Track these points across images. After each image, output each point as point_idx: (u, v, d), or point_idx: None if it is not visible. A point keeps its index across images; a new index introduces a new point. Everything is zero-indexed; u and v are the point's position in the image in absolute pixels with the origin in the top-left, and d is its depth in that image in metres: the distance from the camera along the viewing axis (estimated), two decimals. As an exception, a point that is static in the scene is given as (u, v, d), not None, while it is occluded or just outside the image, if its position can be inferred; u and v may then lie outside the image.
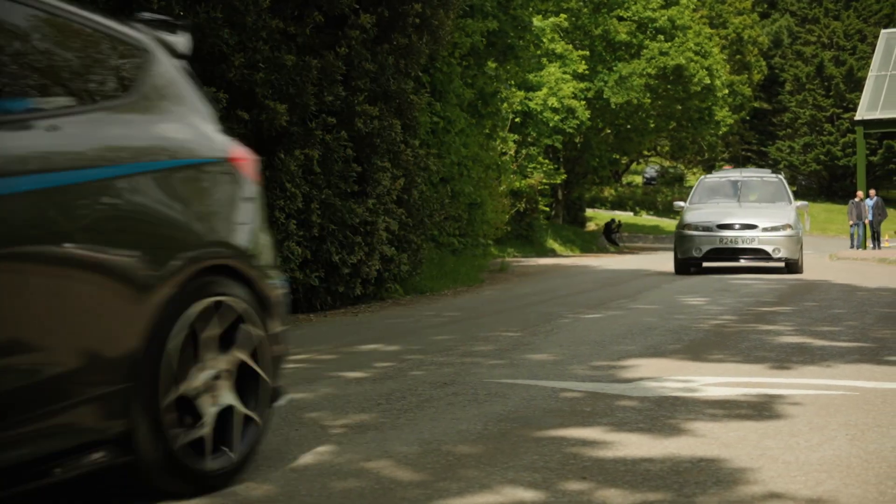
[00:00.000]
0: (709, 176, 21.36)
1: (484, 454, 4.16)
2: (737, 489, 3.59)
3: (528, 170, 33.69)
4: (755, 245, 17.48)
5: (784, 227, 17.56)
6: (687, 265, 18.04)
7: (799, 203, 19.31)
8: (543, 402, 5.33)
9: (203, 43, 9.64)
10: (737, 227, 17.64)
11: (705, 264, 18.81)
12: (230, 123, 9.88)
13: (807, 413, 4.91)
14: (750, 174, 20.66)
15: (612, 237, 41.70)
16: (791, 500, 3.45)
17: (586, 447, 4.26)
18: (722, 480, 3.71)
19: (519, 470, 3.89)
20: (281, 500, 3.56)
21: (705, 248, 17.59)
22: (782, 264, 17.93)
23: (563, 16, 32.97)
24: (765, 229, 17.53)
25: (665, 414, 4.95)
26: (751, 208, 18.52)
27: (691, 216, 18.28)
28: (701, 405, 5.17)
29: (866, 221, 32.50)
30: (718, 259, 17.84)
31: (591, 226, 49.11)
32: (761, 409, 5.04)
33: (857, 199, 32.75)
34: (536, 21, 20.59)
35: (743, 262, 18.02)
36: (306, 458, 4.14)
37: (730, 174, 20.95)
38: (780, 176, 20.40)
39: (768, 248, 17.41)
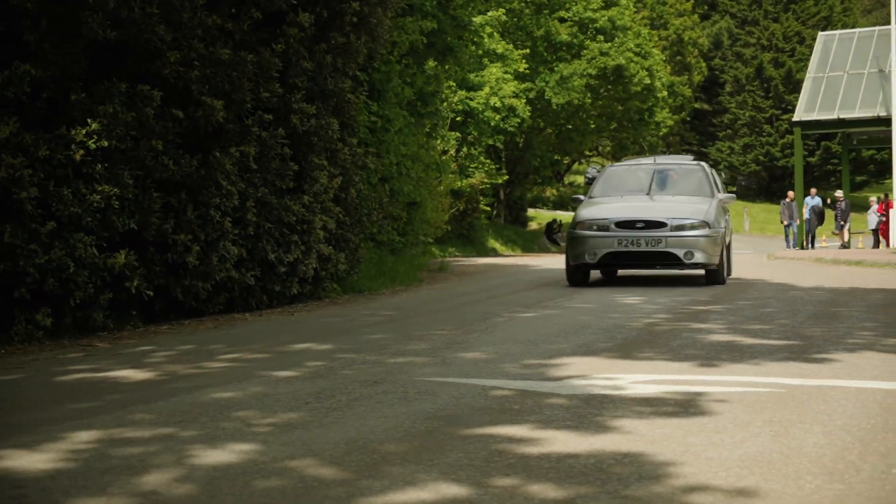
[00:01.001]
0: (616, 163, 17.92)
1: (409, 452, 4.15)
2: (659, 484, 3.61)
3: (470, 169, 33.73)
4: (662, 248, 14.09)
5: (700, 224, 14.16)
6: (580, 274, 14.82)
7: (723, 195, 15.69)
8: (472, 400, 5.34)
9: (138, 39, 9.55)
10: (640, 225, 14.19)
11: (612, 273, 16.71)
12: (165, 121, 9.80)
13: (732, 410, 4.95)
14: (666, 161, 16.84)
15: (553, 237, 41.87)
16: (711, 495, 3.47)
17: (513, 444, 4.26)
18: (645, 476, 3.73)
19: (444, 467, 3.89)
20: (202, 500, 3.53)
21: (601, 253, 14.21)
22: (701, 271, 15.03)
23: (501, 10, 32.99)
24: (675, 228, 14.12)
25: (592, 411, 4.96)
26: (663, 202, 15.08)
27: (586, 212, 14.84)
28: (628, 402, 5.20)
29: (798, 221, 32.86)
30: (618, 265, 14.99)
31: (532, 225, 49.27)
32: (687, 406, 5.08)
33: (787, 200, 33.13)
34: (476, 19, 20.58)
35: (650, 270, 16.15)
36: (230, 457, 4.11)
37: (642, 161, 17.22)
38: (703, 163, 16.54)
39: (678, 252, 14.05)
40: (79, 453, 4.22)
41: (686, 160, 16.77)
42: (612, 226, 14.19)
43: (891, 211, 32.80)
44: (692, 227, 14.12)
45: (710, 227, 14.17)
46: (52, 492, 3.64)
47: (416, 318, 10.24)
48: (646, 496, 3.45)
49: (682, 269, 14.90)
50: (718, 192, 15.71)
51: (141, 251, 9.63)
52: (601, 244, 14.18)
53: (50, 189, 8.62)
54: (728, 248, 15.53)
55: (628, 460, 3.96)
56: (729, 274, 15.75)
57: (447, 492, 3.55)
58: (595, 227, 14.31)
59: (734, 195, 16.81)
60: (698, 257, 14.08)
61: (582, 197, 15.99)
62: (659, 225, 14.13)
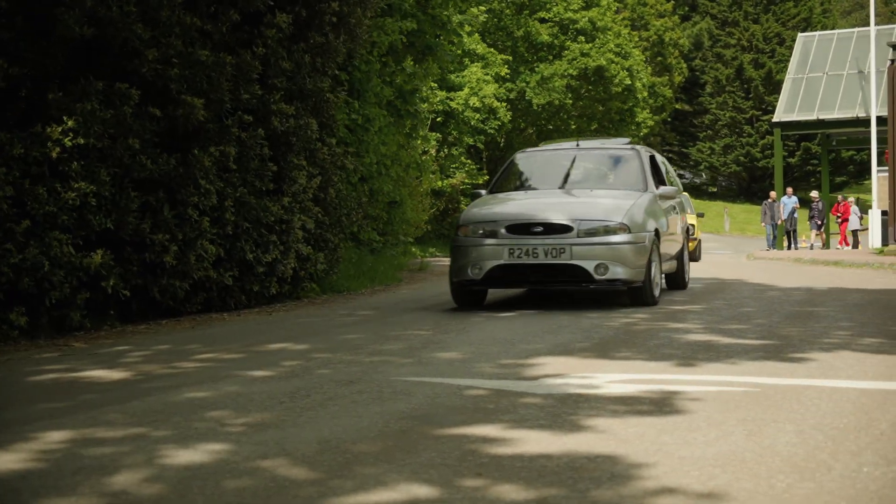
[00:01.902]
0: (530, 149, 13.98)
1: (382, 452, 4.14)
2: (630, 484, 3.61)
3: (451, 170, 33.73)
4: (565, 259, 10.46)
5: (619, 228, 10.56)
6: (466, 294, 11.24)
7: (664, 189, 12.29)
8: (447, 399, 5.33)
9: (116, 37, 9.51)
10: (538, 229, 10.58)
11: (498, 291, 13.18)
12: (143, 120, 9.77)
13: (706, 409, 4.96)
14: (592, 145, 13.24)
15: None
16: (683, 495, 3.47)
17: (486, 444, 4.26)
18: (616, 475, 3.73)
19: (416, 467, 3.88)
20: (172, 499, 3.51)
21: (487, 266, 10.64)
22: (622, 288, 10.88)
23: (481, 8, 32.99)
24: (585, 233, 10.51)
25: (567, 411, 4.96)
26: (575, 198, 11.50)
27: (474, 212, 11.20)
28: (603, 402, 5.20)
29: (780, 222, 32.94)
30: (512, 282, 10.97)
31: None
32: (662, 405, 5.08)
33: (770, 200, 33.18)
34: (455, 18, 20.57)
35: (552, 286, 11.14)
36: (202, 457, 4.09)
37: (562, 145, 13.56)
38: (641, 148, 12.93)
39: (587, 265, 10.44)
40: (50, 453, 4.20)
41: (618, 144, 13.34)
42: (503, 230, 10.61)
43: (851, 214, 32.95)
44: (607, 232, 10.46)
45: (630, 232, 10.53)
46: (21, 492, 3.62)
47: (394, 318, 10.23)
48: (615, 497, 3.45)
49: (595, 287, 10.58)
50: (660, 184, 12.44)
51: (118, 250, 9.59)
52: (488, 254, 10.61)
53: (25, 187, 8.58)
54: (681, 256, 13.14)
55: (601, 460, 3.96)
56: (685, 286, 13.54)
57: (417, 492, 3.54)
58: (481, 232, 10.75)
59: (677, 189, 12.81)
60: (615, 272, 10.43)
61: (483, 192, 12.64)
62: (563, 229, 10.49)
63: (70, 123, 8.87)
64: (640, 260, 10.65)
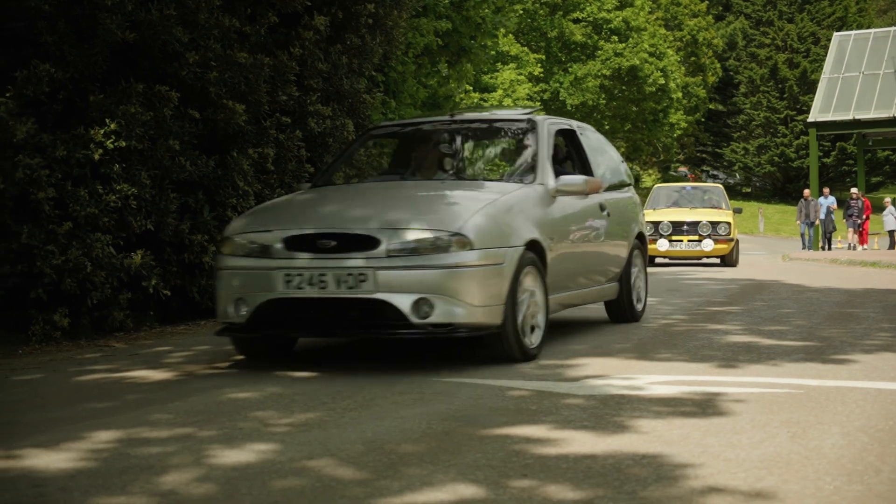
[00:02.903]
0: (386, 123, 10.11)
1: (427, 452, 4.16)
2: (677, 485, 3.61)
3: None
4: (366, 291, 6.44)
5: (452, 242, 6.48)
6: (243, 342, 7.25)
7: (568, 179, 7.94)
8: (489, 400, 5.34)
9: (155, 40, 9.57)
10: (330, 243, 6.61)
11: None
12: (182, 122, 9.82)
13: (750, 410, 4.95)
14: (471, 117, 9.17)
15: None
16: (730, 496, 3.47)
17: (530, 445, 4.27)
18: (663, 477, 3.73)
19: (462, 468, 3.89)
20: (220, 499, 3.54)
21: (256, 301, 6.69)
22: (462, 335, 6.49)
23: (516, 8, 32.96)
24: (399, 251, 6.49)
25: (610, 412, 4.96)
26: (415, 194, 7.58)
27: (247, 219, 7.38)
28: (646, 403, 5.20)
29: (817, 222, 32.60)
30: (291, 327, 6.88)
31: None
32: (705, 406, 5.07)
33: (805, 199, 32.82)
34: (489, 18, 20.56)
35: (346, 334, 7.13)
36: (248, 457, 4.12)
37: (433, 118, 9.11)
38: (541, 119, 8.47)
39: (400, 301, 6.39)
40: (97, 453, 4.24)
41: (510, 115, 9.14)
42: (279, 245, 6.68)
43: (888, 214, 32.62)
44: (436, 248, 6.42)
45: (475, 248, 6.46)
46: (71, 491, 3.66)
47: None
48: (663, 497, 3.45)
49: (414, 335, 6.43)
50: (582, 172, 8.83)
51: (158, 251, 9.66)
52: (255, 283, 6.71)
53: (67, 189, 8.65)
54: (625, 276, 9.18)
55: (646, 461, 3.96)
56: (635, 317, 9.39)
57: (465, 492, 3.55)
58: (252, 248, 6.81)
59: (582, 179, 7.88)
60: (446, 312, 6.36)
61: (307, 185, 8.78)
62: (365, 243, 6.49)
63: (112, 126, 8.94)
64: (491, 291, 6.50)
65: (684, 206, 23.27)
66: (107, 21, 8.95)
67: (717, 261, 23.02)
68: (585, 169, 8.85)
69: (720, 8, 73.81)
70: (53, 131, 8.76)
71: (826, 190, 33.38)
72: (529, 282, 6.95)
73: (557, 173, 7.99)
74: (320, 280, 6.47)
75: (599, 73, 39.77)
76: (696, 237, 21.81)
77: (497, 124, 9.11)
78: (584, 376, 6.12)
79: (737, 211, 23.54)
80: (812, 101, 39.13)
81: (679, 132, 50.59)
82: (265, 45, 11.18)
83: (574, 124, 9.11)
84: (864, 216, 33.04)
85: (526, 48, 37.10)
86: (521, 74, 34.90)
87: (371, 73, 13.84)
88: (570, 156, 9.03)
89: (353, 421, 4.84)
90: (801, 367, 6.43)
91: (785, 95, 64.98)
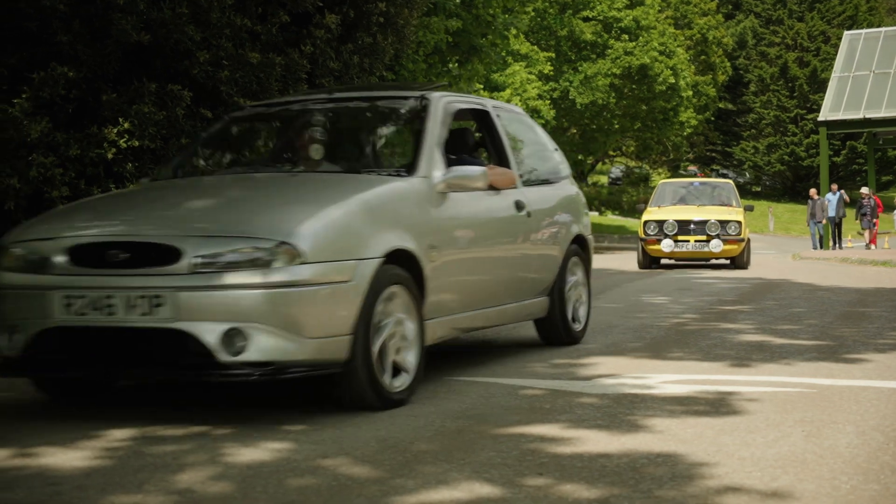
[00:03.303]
0: (253, 104, 7.92)
1: (441, 451, 4.16)
2: (692, 484, 3.61)
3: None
4: (162, 319, 4.81)
5: (277, 254, 4.86)
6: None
7: (459, 172, 6.17)
8: (502, 399, 5.35)
9: (167, 39, 9.59)
10: (121, 255, 4.98)
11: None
12: (194, 121, 9.84)
13: (764, 409, 4.94)
14: (353, 95, 7.34)
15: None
16: (746, 495, 3.47)
17: (544, 443, 4.27)
18: (678, 475, 3.73)
19: (476, 466, 3.90)
20: (236, 497, 3.55)
21: (30, 331, 5.01)
22: (291, 375, 4.89)
23: (528, 10, 32.93)
24: (205, 265, 4.85)
25: (623, 411, 4.97)
26: (253, 192, 5.89)
27: (35, 224, 5.63)
28: (659, 402, 5.20)
29: (823, 221, 32.35)
30: (75, 364, 5.11)
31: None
32: (719, 405, 5.07)
33: (813, 198, 32.55)
34: (500, 18, 20.53)
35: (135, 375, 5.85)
36: (263, 456, 4.13)
37: (309, 95, 7.49)
38: (436, 96, 6.66)
39: (205, 333, 4.74)
40: (113, 451, 4.25)
41: (400, 92, 7.27)
42: (62, 257, 5.11)
43: None
44: (252, 263, 4.86)
45: (306, 262, 4.90)
46: (87, 489, 3.67)
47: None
48: (679, 496, 3.45)
49: (226, 377, 4.88)
50: (499, 161, 7.22)
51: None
52: (29, 308, 5.11)
53: (81, 188, 8.67)
54: (557, 287, 7.41)
55: (661, 460, 3.96)
56: (573, 338, 7.62)
57: (480, 491, 3.56)
58: (23, 265, 5.24)
59: (479, 171, 6.20)
60: (266, 346, 4.79)
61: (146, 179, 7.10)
62: (162, 256, 4.95)
63: (125, 125, 8.96)
64: (331, 318, 4.99)
65: (692, 204, 21.50)
66: (121, 21, 8.97)
67: (727, 262, 21.07)
68: (502, 159, 7.12)
69: (730, 6, 73.68)
70: (67, 130, 8.78)
71: (834, 186, 33.20)
72: (394, 305, 5.30)
73: (462, 164, 6.28)
74: (107, 304, 4.87)
75: (609, 72, 39.71)
76: (703, 237, 19.99)
77: (382, 103, 7.11)
78: (596, 375, 6.12)
79: (748, 209, 21.79)
80: (822, 99, 39.06)
81: (689, 131, 50.49)
82: (276, 45, 11.19)
83: (489, 104, 7.36)
84: (876, 215, 32.83)
85: (536, 47, 37.08)
86: (531, 73, 34.88)
87: (382, 72, 13.84)
88: (484, 143, 7.33)
89: (367, 419, 4.85)
90: (815, 366, 6.42)
91: (795, 94, 64.86)
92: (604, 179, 72.31)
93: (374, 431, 4.56)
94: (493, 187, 6.54)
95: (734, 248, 20.04)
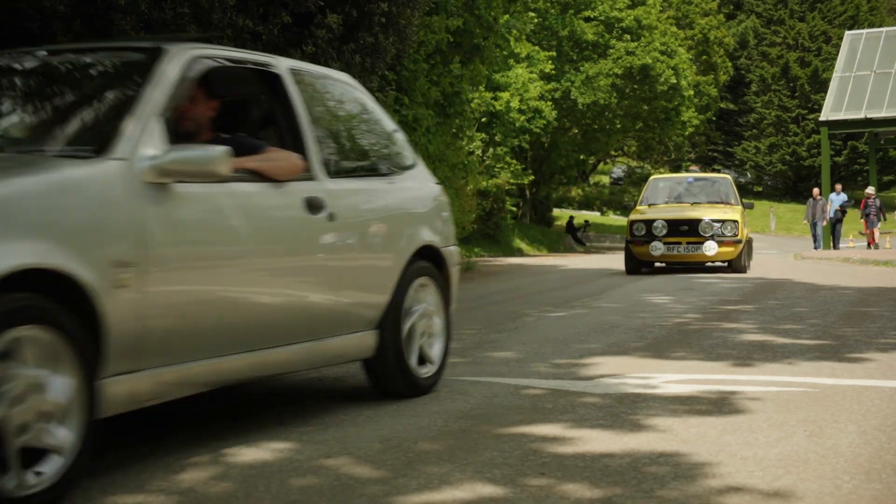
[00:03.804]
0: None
1: (444, 451, 4.16)
2: (695, 483, 3.61)
3: (496, 169, 33.72)
4: None
5: None
6: None
7: (193, 154, 4.18)
8: (505, 399, 5.34)
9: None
10: None
11: None
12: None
13: (766, 409, 4.94)
14: (83, 46, 5.43)
15: (578, 237, 41.77)
16: (748, 495, 3.47)
17: (547, 443, 4.27)
18: (681, 475, 3.73)
19: (479, 466, 3.90)
20: (239, 497, 3.55)
21: None
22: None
23: (531, 14, 32.93)
24: None
25: (626, 410, 4.96)
26: None
27: None
28: (662, 402, 5.19)
29: (824, 222, 32.27)
30: None
31: (559, 226, 49.21)
32: (721, 405, 5.07)
33: (814, 198, 32.45)
34: (502, 19, 20.48)
35: None
36: (266, 456, 4.13)
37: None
38: (175, 46, 4.67)
39: None
40: (116, 451, 4.25)
41: (131, 44, 5.36)
42: None
43: None
44: None
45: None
46: (90, 489, 3.67)
47: (445, 318, 10.23)
48: (682, 496, 3.45)
49: None
50: (254, 144, 5.04)
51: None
52: None
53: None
54: (392, 322, 5.45)
55: (663, 460, 3.96)
56: (418, 387, 5.56)
57: (483, 491, 3.55)
58: None
59: (215, 153, 4.17)
60: None
61: None
62: None
63: (126, 125, 8.96)
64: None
65: (686, 202, 19.38)
66: (121, 22, 8.97)
67: (724, 265, 18.89)
68: (296, 139, 5.16)
69: (731, 7, 73.68)
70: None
71: (838, 186, 33.13)
72: (28, 360, 3.48)
73: (236, 145, 4.62)
74: None
75: (611, 72, 39.68)
76: (696, 239, 17.91)
77: (102, 56, 5.04)
78: (599, 375, 6.12)
79: (747, 206, 20.15)
80: (823, 99, 39.04)
81: (690, 130, 50.41)
82: (278, 45, 11.19)
83: (283, 65, 5.38)
84: (882, 217, 32.72)
85: (537, 47, 37.05)
86: (532, 73, 34.85)
87: (384, 71, 13.85)
88: (275, 117, 5.34)
89: (370, 419, 4.85)
90: (817, 365, 6.42)
91: (796, 94, 64.88)
92: (605, 179, 72.32)
93: (377, 431, 4.56)
94: (264, 177, 4.72)
95: (730, 251, 18.04)
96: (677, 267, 18.78)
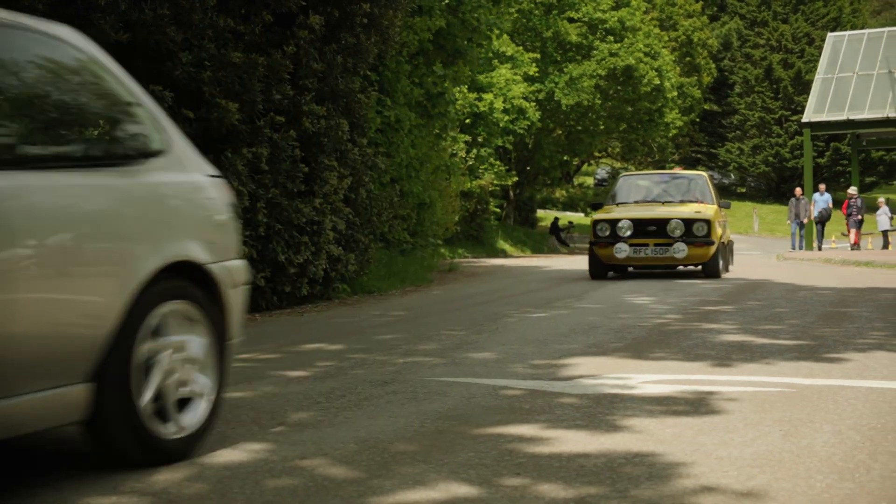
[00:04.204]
0: None
1: (420, 451, 4.16)
2: (670, 483, 3.62)
3: (480, 171, 33.72)
4: None
5: None
6: None
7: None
8: (483, 399, 5.34)
9: (149, 40, 9.57)
10: None
11: None
12: (176, 122, 9.81)
13: (743, 409, 4.95)
14: None
15: (562, 238, 41.79)
16: (722, 494, 3.47)
17: (523, 444, 4.27)
18: (655, 475, 3.73)
19: (454, 466, 3.90)
20: (212, 499, 3.54)
21: None
22: None
23: (511, 10, 32.85)
24: None
25: (603, 411, 4.97)
26: None
27: None
28: (639, 402, 5.20)
29: (805, 221, 32.31)
30: None
31: (543, 227, 49.21)
32: (698, 405, 5.08)
33: (795, 198, 32.50)
34: (484, 18, 20.42)
35: None
36: (241, 457, 4.12)
37: None
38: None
39: None
40: (90, 452, 4.23)
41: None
42: None
43: (881, 214, 32.46)
44: None
45: None
46: (64, 490, 3.66)
47: (427, 319, 10.24)
48: (655, 496, 3.46)
49: None
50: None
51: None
52: None
53: (61, 190, 8.62)
54: (116, 372, 3.86)
55: (639, 460, 3.97)
56: (178, 450, 4.12)
57: (457, 491, 3.55)
58: None
59: None
60: None
61: None
62: None
63: (105, 126, 8.93)
64: None
65: (657, 200, 17.74)
66: (101, 22, 8.95)
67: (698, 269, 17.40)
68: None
69: (715, 8, 73.84)
70: (47, 131, 8.74)
71: (822, 186, 33.19)
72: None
73: None
74: None
75: (595, 73, 39.71)
76: (665, 240, 16.24)
77: None
78: (577, 375, 6.12)
79: (724, 205, 18.49)
80: (806, 101, 39.13)
81: (674, 132, 50.52)
82: (259, 45, 11.18)
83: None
84: (862, 215, 32.77)
85: (521, 48, 37.07)
86: (516, 74, 34.87)
87: (366, 72, 13.84)
88: None
89: (347, 420, 4.84)
90: (794, 365, 6.43)
91: (779, 96, 65.06)
92: (590, 181, 72.38)
93: (354, 432, 4.56)
94: None
95: (702, 253, 16.33)
96: (645, 272, 17.74)
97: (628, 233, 16.31)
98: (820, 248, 31.76)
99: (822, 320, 9.28)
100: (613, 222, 16.45)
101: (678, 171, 22.29)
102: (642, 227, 16.37)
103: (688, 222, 16.29)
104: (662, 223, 16.35)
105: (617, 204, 17.70)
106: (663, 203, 17.47)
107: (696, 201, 17.46)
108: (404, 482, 3.68)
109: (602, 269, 16.80)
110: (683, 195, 17.90)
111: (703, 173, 18.95)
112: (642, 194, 18.23)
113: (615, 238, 16.33)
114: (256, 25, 11.05)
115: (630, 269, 17.36)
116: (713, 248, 16.32)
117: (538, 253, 37.38)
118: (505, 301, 12.27)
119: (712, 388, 5.57)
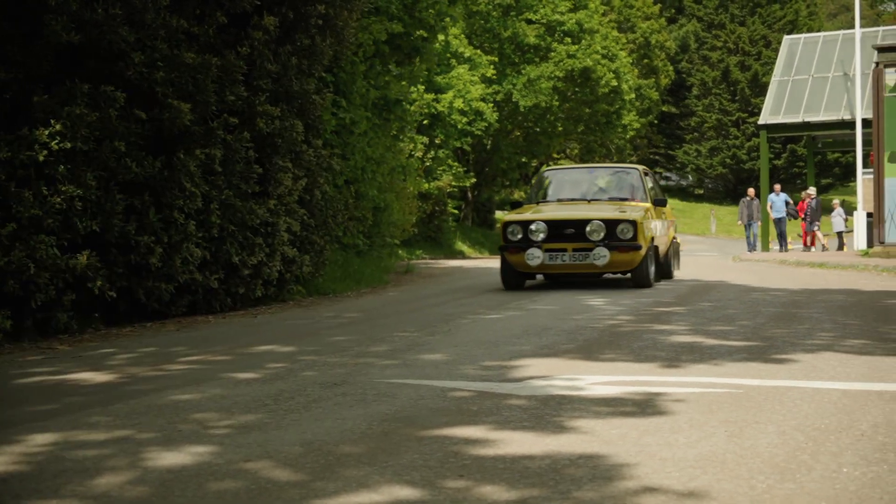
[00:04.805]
0: None
1: (365, 453, 4.15)
2: (612, 485, 3.63)
3: (437, 172, 33.74)
4: None
5: None
6: None
7: None
8: (431, 401, 5.34)
9: (101, 40, 9.51)
10: None
11: None
12: (128, 123, 9.76)
13: (689, 410, 4.98)
14: None
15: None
16: (663, 495, 3.49)
17: (468, 446, 4.27)
18: (598, 476, 3.75)
19: (398, 469, 3.89)
20: (154, 502, 3.51)
21: None
22: None
23: (473, 7, 32.79)
24: None
25: (550, 412, 4.98)
26: None
27: None
28: (587, 403, 5.22)
29: (759, 222, 32.47)
30: None
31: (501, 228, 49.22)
32: (645, 406, 5.10)
33: (748, 198, 32.71)
34: (442, 8, 20.36)
35: None
36: (185, 459, 4.10)
37: None
38: None
39: None
40: (32, 456, 4.20)
41: None
42: None
43: (836, 216, 32.78)
44: None
45: None
46: (1, 494, 3.62)
47: (380, 320, 10.23)
48: (597, 497, 3.47)
49: None
50: None
51: (103, 253, 9.59)
52: None
53: (11, 190, 8.57)
54: None
55: (583, 461, 3.98)
56: None
57: (400, 493, 3.55)
58: None
59: None
60: None
61: None
62: None
63: (57, 126, 8.86)
64: None
65: (583, 199, 15.38)
66: (52, 23, 8.88)
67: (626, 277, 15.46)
68: None
69: (673, 11, 74.26)
70: (-4, 132, 8.66)
71: (777, 187, 33.42)
72: None
73: None
74: None
75: (552, 75, 39.82)
76: (584, 245, 13.92)
77: None
78: (527, 377, 6.13)
79: (659, 203, 15.69)
80: (763, 103, 39.41)
81: (632, 133, 50.84)
82: (213, 46, 11.13)
83: None
84: (818, 217, 33.01)
85: (479, 50, 37.13)
86: (474, 76, 34.92)
87: (321, 73, 13.82)
88: None
89: (294, 422, 4.83)
90: (743, 366, 6.47)
91: (737, 98, 65.50)
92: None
93: (300, 434, 4.54)
94: None
95: (627, 259, 14.08)
96: (563, 281, 15.88)
97: (541, 236, 14.06)
98: (784, 249, 31.91)
99: (772, 321, 9.34)
100: (525, 224, 14.17)
101: (609, 164, 19.57)
102: (558, 230, 14.10)
103: (611, 224, 13.95)
104: (581, 225, 14.03)
105: (538, 202, 15.55)
106: (589, 201, 15.31)
107: (625, 199, 15.31)
108: (348, 485, 3.67)
109: (516, 279, 14.62)
110: (613, 192, 15.79)
111: (639, 167, 16.42)
112: (566, 191, 15.88)
113: (528, 243, 14.09)
114: (210, 26, 11.01)
115: (538, 277, 15.32)
116: (641, 254, 14.07)
117: (496, 254, 37.42)
118: (459, 302, 12.28)
119: (660, 389, 5.59)
